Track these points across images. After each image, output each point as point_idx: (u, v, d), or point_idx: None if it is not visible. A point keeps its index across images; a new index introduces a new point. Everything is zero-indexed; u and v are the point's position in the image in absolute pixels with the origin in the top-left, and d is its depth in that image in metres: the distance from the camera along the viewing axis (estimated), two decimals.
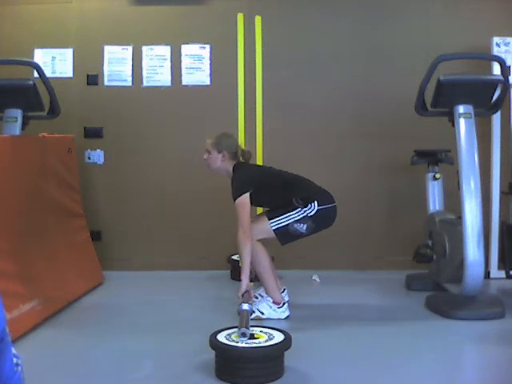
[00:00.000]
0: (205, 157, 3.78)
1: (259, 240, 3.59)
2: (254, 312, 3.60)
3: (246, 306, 3.13)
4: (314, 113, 4.98)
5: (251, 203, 3.60)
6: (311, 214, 3.56)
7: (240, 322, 2.91)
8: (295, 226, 3.58)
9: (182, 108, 4.98)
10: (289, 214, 3.58)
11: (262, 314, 3.63)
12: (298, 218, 3.57)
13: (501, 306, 3.70)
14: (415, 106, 3.93)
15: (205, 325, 3.26)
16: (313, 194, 3.63)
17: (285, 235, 3.61)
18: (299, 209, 3.57)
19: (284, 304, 3.68)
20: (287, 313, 3.68)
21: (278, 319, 3.62)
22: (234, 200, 3.55)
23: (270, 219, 3.60)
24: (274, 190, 3.72)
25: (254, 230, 3.57)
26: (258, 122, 4.98)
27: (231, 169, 3.75)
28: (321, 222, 3.62)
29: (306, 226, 3.58)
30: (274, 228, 3.58)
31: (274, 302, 3.66)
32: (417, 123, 4.47)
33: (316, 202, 3.58)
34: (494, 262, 4.67)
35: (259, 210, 4.46)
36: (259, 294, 3.83)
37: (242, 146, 4.01)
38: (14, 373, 1.40)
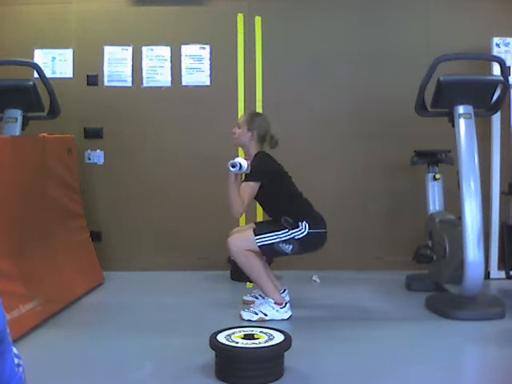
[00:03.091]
0: (233, 130, 3.81)
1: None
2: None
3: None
4: (314, 113, 4.97)
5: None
6: (299, 236, 3.57)
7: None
8: (281, 245, 3.58)
9: (182, 108, 4.98)
10: (276, 234, 3.58)
11: (266, 315, 3.61)
12: (285, 238, 3.58)
13: (501, 306, 3.70)
14: (415, 106, 3.93)
15: (205, 325, 3.26)
16: (307, 215, 3.63)
17: (269, 252, 3.64)
18: (286, 230, 3.57)
19: (286, 304, 3.66)
20: (289, 313, 3.66)
21: (281, 319, 3.61)
22: (244, 180, 3.59)
23: (256, 235, 3.58)
24: (277, 194, 3.71)
25: (240, 242, 3.58)
26: None
27: (253, 153, 3.74)
28: (308, 245, 3.64)
29: (291, 247, 3.60)
30: (259, 244, 3.57)
31: (275, 303, 3.64)
32: (417, 123, 4.47)
33: (307, 225, 3.58)
34: (494, 262, 4.67)
35: (259, 216, 4.47)
36: (259, 295, 3.82)
37: (273, 132, 3.85)
38: (15, 374, 1.38)
